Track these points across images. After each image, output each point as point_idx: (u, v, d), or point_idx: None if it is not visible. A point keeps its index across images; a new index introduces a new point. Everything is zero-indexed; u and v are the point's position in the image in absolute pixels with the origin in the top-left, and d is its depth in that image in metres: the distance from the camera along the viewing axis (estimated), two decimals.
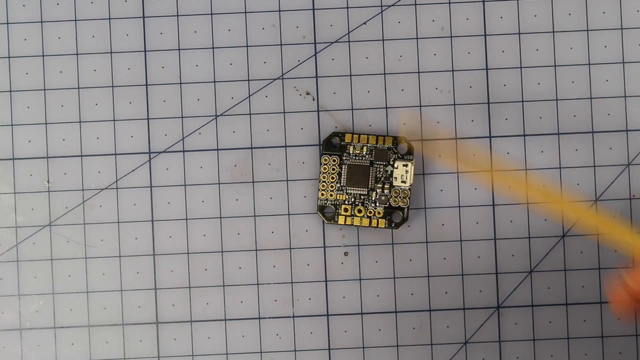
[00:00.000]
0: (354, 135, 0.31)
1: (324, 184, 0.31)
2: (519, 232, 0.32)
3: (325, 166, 0.31)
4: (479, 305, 0.32)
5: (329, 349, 0.32)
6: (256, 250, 0.32)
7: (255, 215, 0.32)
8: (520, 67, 0.32)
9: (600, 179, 0.32)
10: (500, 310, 0.32)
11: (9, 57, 0.32)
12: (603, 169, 0.32)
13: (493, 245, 0.32)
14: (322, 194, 0.31)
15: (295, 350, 0.32)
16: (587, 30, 0.32)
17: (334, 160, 0.31)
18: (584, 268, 0.32)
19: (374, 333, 0.32)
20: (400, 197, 0.31)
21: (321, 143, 0.32)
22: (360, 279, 0.32)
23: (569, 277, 0.32)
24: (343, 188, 0.31)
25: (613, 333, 0.32)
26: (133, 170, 0.32)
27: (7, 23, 0.32)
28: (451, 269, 0.32)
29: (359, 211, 0.31)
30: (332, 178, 0.31)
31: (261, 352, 0.32)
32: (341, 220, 0.31)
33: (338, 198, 0.31)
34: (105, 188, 0.32)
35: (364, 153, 0.31)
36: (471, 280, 0.32)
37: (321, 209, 0.31)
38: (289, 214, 0.32)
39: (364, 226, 0.31)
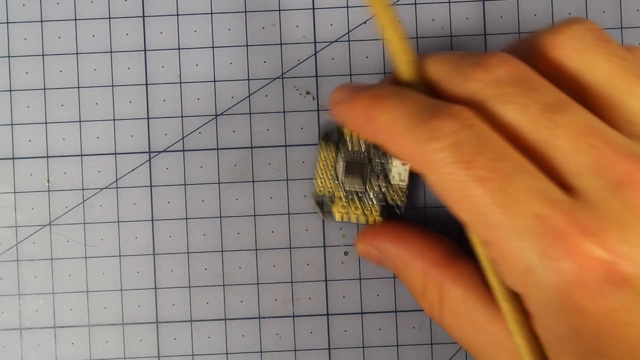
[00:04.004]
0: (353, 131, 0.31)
1: (322, 180, 0.31)
2: None
3: (324, 162, 0.31)
4: None
5: (329, 349, 0.32)
6: (256, 250, 0.32)
7: (255, 215, 0.32)
8: None
9: None
10: None
11: (9, 57, 0.32)
12: None
13: None
14: (320, 190, 0.31)
15: (295, 350, 0.32)
16: None
17: (332, 157, 0.31)
18: None
19: (374, 333, 0.32)
20: (397, 195, 0.31)
21: (319, 137, 0.32)
22: (360, 279, 0.32)
23: None
24: (340, 184, 0.31)
25: None
26: (133, 170, 0.32)
27: (7, 23, 0.32)
28: None
29: (356, 208, 0.31)
30: (330, 174, 0.31)
31: (261, 352, 0.32)
32: (338, 216, 0.31)
33: (335, 194, 0.31)
34: (105, 187, 0.32)
35: (362, 149, 0.31)
36: None
37: (318, 204, 0.31)
38: (289, 214, 0.32)
39: (361, 223, 0.31)
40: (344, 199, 0.31)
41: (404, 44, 0.26)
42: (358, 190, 0.31)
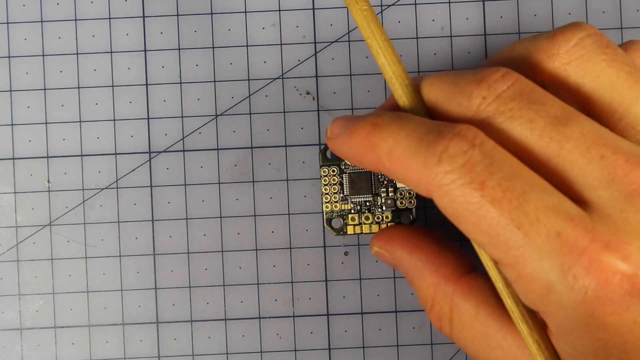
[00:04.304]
0: None
1: (327, 196, 0.31)
2: None
3: (326, 178, 0.31)
4: None
5: (329, 349, 0.32)
6: (256, 250, 0.32)
7: (255, 215, 0.32)
8: None
9: None
10: None
11: (9, 57, 0.32)
12: None
13: None
14: (327, 207, 0.30)
15: (295, 350, 0.32)
16: None
17: (333, 171, 0.30)
18: None
19: (374, 333, 0.32)
20: (406, 198, 0.30)
21: (319, 157, 0.31)
22: (360, 279, 0.32)
23: None
24: (347, 198, 0.31)
25: None
26: (133, 170, 0.32)
27: (7, 23, 0.32)
28: None
29: (367, 218, 0.30)
30: (335, 189, 0.31)
31: (261, 352, 0.32)
32: (350, 230, 0.30)
33: (343, 208, 0.31)
34: (105, 188, 0.32)
35: None
36: None
37: (328, 222, 0.31)
38: (289, 214, 0.32)
39: (374, 233, 0.30)
40: (353, 212, 0.31)
41: (398, 68, 0.25)
42: (366, 200, 0.30)
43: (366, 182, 0.30)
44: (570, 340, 0.22)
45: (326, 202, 0.30)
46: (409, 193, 0.30)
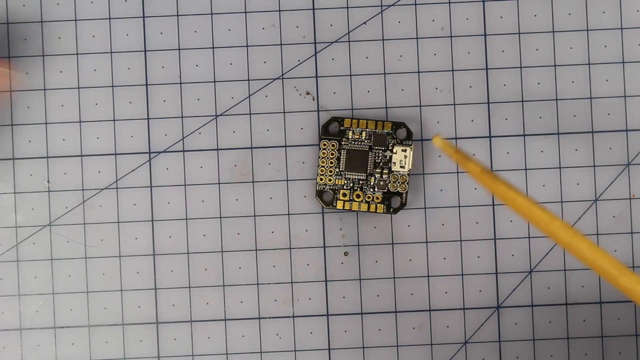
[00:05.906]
0: (353, 121, 0.31)
1: (322, 168, 0.31)
2: (519, 232, 0.32)
3: (324, 151, 0.31)
4: (478, 305, 0.32)
5: (329, 349, 0.32)
6: (256, 250, 0.32)
7: (255, 215, 0.32)
8: (520, 67, 0.32)
9: (600, 179, 0.32)
10: (500, 310, 0.32)
11: (9, 57, 0.32)
12: (603, 168, 0.32)
13: (493, 245, 0.32)
14: (321, 179, 0.31)
15: (295, 350, 0.32)
16: (587, 30, 0.32)
17: (332, 145, 0.31)
18: (584, 268, 0.32)
19: (374, 333, 0.32)
20: (398, 183, 0.31)
21: (320, 128, 0.32)
22: (360, 279, 0.32)
23: (569, 277, 0.32)
24: (342, 173, 0.31)
25: (613, 333, 0.32)
26: (133, 170, 0.32)
27: (8, 23, 0.32)
28: (451, 269, 0.32)
29: (358, 196, 0.31)
30: (331, 163, 0.31)
31: (261, 352, 0.32)
32: (339, 205, 0.31)
33: (337, 183, 0.31)
34: (105, 188, 0.32)
35: (363, 138, 0.31)
36: (471, 280, 0.32)
37: (319, 193, 0.31)
38: (289, 214, 0.32)
39: (363, 211, 0.31)
40: (345, 188, 0.31)
41: None
42: (359, 178, 0.31)
43: (363, 161, 0.31)
44: None
45: (321, 175, 0.31)
46: (402, 177, 0.31)
